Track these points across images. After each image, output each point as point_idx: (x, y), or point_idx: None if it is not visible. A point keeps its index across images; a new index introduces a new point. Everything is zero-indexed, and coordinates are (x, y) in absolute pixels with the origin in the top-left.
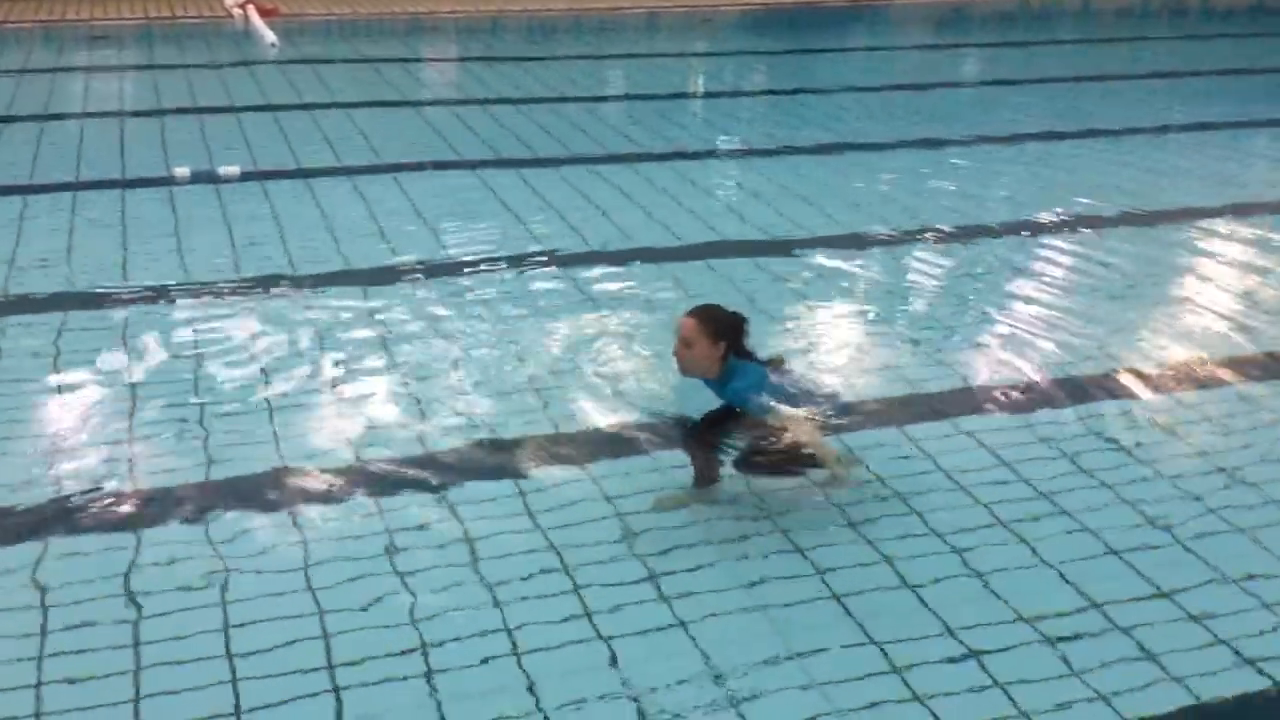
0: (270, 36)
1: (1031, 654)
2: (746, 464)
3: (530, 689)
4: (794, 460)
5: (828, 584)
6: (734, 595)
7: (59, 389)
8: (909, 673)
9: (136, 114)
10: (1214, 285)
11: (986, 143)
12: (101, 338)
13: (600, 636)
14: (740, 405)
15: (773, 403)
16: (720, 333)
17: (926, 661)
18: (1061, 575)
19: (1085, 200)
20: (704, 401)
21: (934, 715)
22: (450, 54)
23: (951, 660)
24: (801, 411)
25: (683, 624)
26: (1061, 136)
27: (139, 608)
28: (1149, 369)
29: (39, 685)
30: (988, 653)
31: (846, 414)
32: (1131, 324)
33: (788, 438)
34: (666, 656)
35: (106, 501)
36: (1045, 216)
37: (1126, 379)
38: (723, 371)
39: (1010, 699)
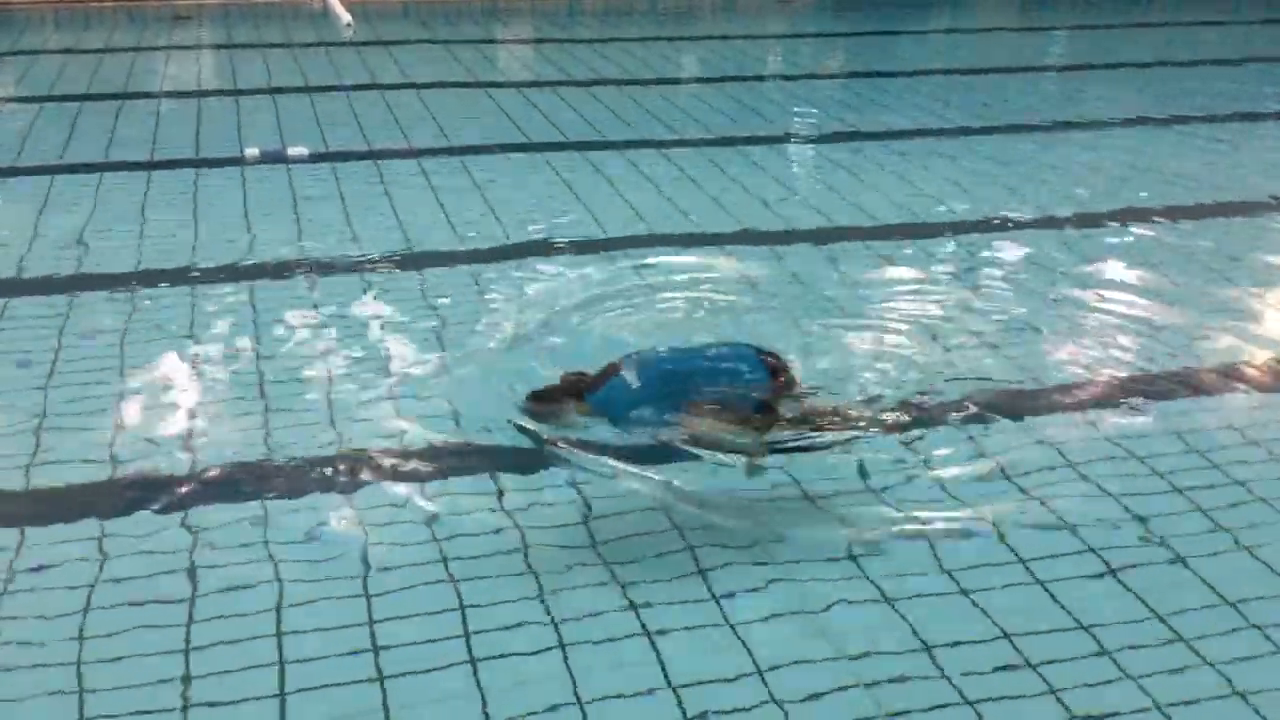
0: (346, 18)
1: None
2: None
3: (573, 686)
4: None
5: (876, 585)
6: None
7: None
8: (967, 686)
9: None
10: None
11: (1068, 129)
12: (167, 316)
13: (646, 631)
14: (619, 423)
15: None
16: (564, 398)
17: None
18: (1125, 586)
19: (1170, 189)
20: None
21: None
22: (525, 35)
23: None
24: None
25: (730, 624)
26: (1147, 122)
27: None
28: (1229, 368)
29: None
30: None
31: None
32: (1221, 316)
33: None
34: (712, 653)
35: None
36: (1123, 207)
37: (1201, 378)
38: (594, 410)
39: None
